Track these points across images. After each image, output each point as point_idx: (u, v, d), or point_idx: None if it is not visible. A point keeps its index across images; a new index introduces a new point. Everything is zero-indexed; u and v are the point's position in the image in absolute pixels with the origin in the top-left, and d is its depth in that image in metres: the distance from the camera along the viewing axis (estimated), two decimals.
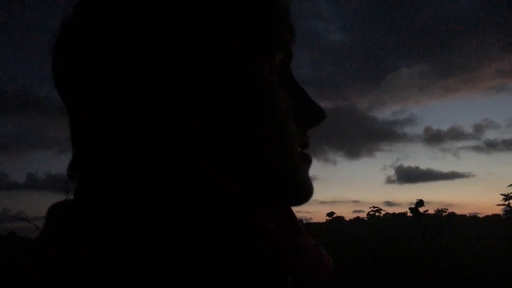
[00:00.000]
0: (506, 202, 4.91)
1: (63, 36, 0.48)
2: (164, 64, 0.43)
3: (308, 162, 0.53)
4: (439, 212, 6.64)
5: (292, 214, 0.53)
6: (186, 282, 0.38)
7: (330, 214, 6.28)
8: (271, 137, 0.47)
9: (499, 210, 5.21)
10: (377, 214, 6.11)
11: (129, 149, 0.43)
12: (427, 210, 5.68)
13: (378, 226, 6.03)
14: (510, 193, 4.87)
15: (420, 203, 5.60)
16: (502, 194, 4.94)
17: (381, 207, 6.17)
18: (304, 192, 0.51)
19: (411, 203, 5.73)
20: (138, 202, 0.42)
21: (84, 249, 0.39)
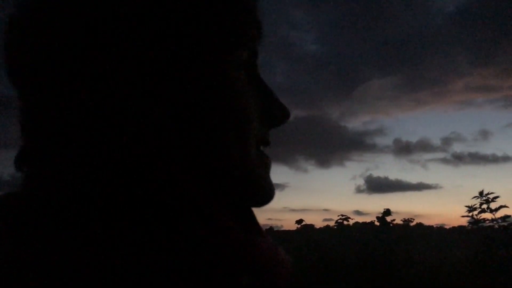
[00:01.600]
0: (470, 214, 5.02)
1: (17, 21, 0.46)
2: (123, 56, 0.42)
3: (269, 163, 0.53)
4: (406, 221, 6.74)
5: (252, 214, 0.52)
6: (137, 282, 0.36)
7: (299, 221, 6.31)
8: (233, 135, 0.46)
9: (464, 222, 5.33)
10: (345, 222, 6.18)
11: (83, 141, 0.42)
12: (394, 220, 5.77)
13: (347, 234, 6.09)
14: (474, 205, 4.99)
15: (387, 212, 5.68)
16: (466, 206, 5.07)
17: (350, 216, 6.25)
18: (263, 193, 0.51)
19: (380, 212, 5.81)
20: (88, 196, 0.40)
21: (26, 247, 0.37)
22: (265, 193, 0.51)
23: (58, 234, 0.38)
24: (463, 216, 5.12)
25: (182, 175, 0.42)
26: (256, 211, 0.53)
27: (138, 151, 0.42)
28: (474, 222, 4.98)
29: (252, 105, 0.48)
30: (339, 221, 6.21)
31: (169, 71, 0.43)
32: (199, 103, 0.44)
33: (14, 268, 0.36)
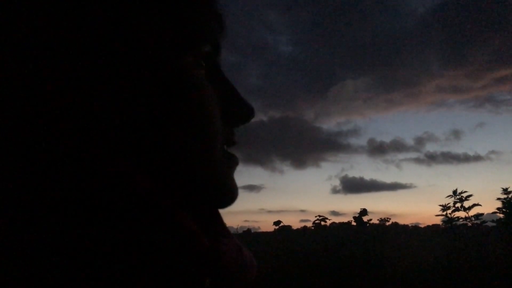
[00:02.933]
0: (444, 213, 5.13)
1: None
2: (80, 54, 0.40)
3: (234, 163, 0.51)
4: (382, 221, 6.84)
5: (217, 214, 0.51)
6: (97, 285, 0.35)
7: (277, 222, 6.33)
8: (194, 134, 0.44)
9: (438, 220, 5.44)
10: (322, 223, 6.22)
11: (42, 140, 0.40)
12: (370, 219, 5.84)
13: (324, 235, 6.14)
14: (448, 204, 5.09)
15: (364, 212, 5.75)
16: (440, 205, 5.17)
17: (327, 216, 6.29)
18: (226, 194, 0.49)
19: (356, 212, 5.88)
20: (50, 197, 0.38)
21: None
22: (228, 195, 0.49)
23: (16, 234, 0.37)
24: (437, 215, 5.23)
25: (141, 176, 0.40)
26: (232, 213, 0.53)
27: (93, 151, 0.40)
28: (448, 220, 5.08)
29: (213, 102, 0.46)
30: (317, 222, 6.25)
31: (126, 68, 0.42)
32: (157, 101, 0.42)
33: None
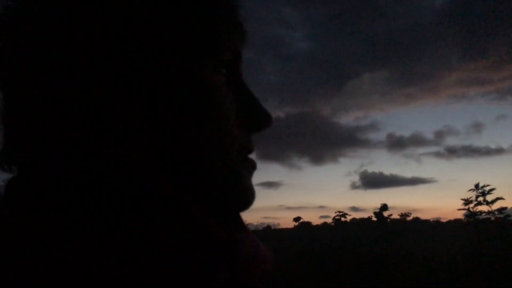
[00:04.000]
0: (466, 207, 5.05)
1: (2, 22, 0.46)
2: (105, 58, 0.42)
3: (251, 168, 0.51)
4: (403, 216, 6.76)
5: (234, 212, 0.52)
6: (118, 279, 0.37)
7: (297, 219, 6.31)
8: (211, 139, 0.46)
9: (460, 215, 5.37)
10: (343, 219, 6.19)
11: (65, 141, 0.42)
12: (391, 215, 5.79)
13: (344, 231, 6.11)
14: (470, 198, 5.02)
15: (384, 207, 5.69)
16: (462, 199, 5.09)
17: (347, 212, 6.25)
18: (243, 199, 0.50)
19: (376, 208, 5.83)
20: (70, 195, 0.40)
21: (12, 249, 0.37)
22: (245, 199, 0.50)
23: (39, 232, 0.38)
24: (459, 209, 5.15)
25: (161, 175, 0.42)
26: (251, 210, 0.53)
27: (117, 152, 0.42)
28: (470, 215, 5.00)
29: (231, 108, 0.48)
30: (337, 217, 6.22)
31: (147, 72, 0.43)
32: (176, 104, 0.44)
33: None
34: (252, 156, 0.53)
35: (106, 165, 0.41)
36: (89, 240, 0.38)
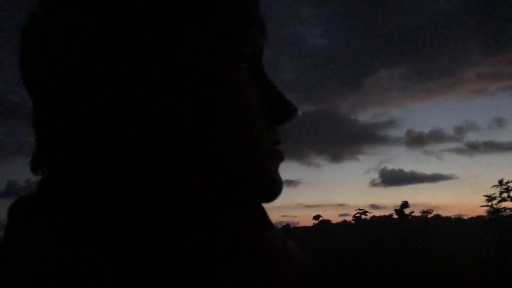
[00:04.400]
0: (489, 203, 4.97)
1: (30, 27, 0.47)
2: (130, 59, 0.43)
3: (279, 158, 0.52)
4: (424, 213, 6.68)
5: (262, 208, 0.52)
6: (149, 276, 0.37)
7: (317, 217, 6.29)
8: (239, 133, 0.46)
9: (483, 212, 5.28)
10: (363, 216, 6.15)
11: (95, 144, 0.43)
12: (412, 212, 5.73)
13: (365, 229, 6.07)
14: (493, 194, 4.93)
15: (405, 204, 5.65)
16: (485, 196, 5.01)
17: (367, 210, 6.20)
18: (271, 189, 0.51)
19: (397, 205, 5.79)
20: (102, 197, 0.41)
21: (47, 250, 0.38)
22: (273, 190, 0.51)
23: (73, 234, 0.39)
24: (482, 206, 5.07)
25: (189, 171, 0.43)
26: (270, 207, 0.53)
27: (147, 149, 0.42)
28: (494, 211, 4.92)
29: (255, 102, 0.48)
30: (357, 215, 6.18)
31: (172, 72, 0.44)
32: (203, 101, 0.45)
33: (29, 269, 0.37)
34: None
35: (135, 163, 0.42)
36: (119, 238, 0.39)
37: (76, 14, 0.44)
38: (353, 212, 6.34)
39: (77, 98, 0.43)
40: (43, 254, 0.38)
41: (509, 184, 4.81)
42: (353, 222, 6.62)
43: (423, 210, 6.66)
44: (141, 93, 0.43)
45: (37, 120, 0.47)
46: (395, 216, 5.87)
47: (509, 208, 4.83)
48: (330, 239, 5.79)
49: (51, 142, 0.46)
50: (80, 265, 0.37)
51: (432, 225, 6.74)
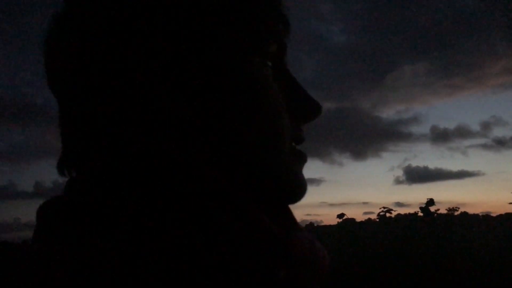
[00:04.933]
0: None
1: (55, 28, 0.48)
2: (155, 57, 0.43)
3: (302, 159, 0.52)
4: (451, 211, 6.57)
5: (287, 208, 0.52)
6: (176, 277, 0.37)
7: (341, 215, 6.25)
8: (263, 131, 0.46)
9: (511, 209, 5.16)
10: (388, 214, 6.07)
11: (121, 143, 0.43)
12: (438, 209, 5.64)
13: (390, 227, 5.99)
14: None
15: (431, 202, 5.56)
16: None
17: (391, 208, 6.13)
18: (295, 190, 0.50)
19: (422, 203, 5.70)
20: (130, 197, 0.41)
21: (75, 251, 0.38)
22: (297, 190, 0.50)
23: (102, 235, 0.39)
24: (510, 203, 4.96)
25: (216, 172, 0.43)
26: (293, 207, 0.53)
27: (173, 149, 0.42)
28: None
29: (280, 100, 0.48)
30: (381, 213, 6.11)
31: (198, 70, 0.44)
32: (227, 100, 0.44)
33: (59, 271, 0.37)
34: None
35: (162, 164, 0.42)
36: (147, 238, 0.39)
37: (102, 16, 0.44)
38: (377, 210, 6.27)
39: (103, 99, 0.43)
40: (72, 256, 0.38)
41: None
42: (377, 220, 6.55)
43: (449, 208, 6.55)
44: (168, 92, 0.43)
45: (63, 122, 0.48)
46: (420, 214, 5.78)
47: None
48: (355, 237, 5.74)
49: (77, 144, 0.46)
50: (109, 267, 0.37)
51: (459, 223, 6.61)
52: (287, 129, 0.48)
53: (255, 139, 0.46)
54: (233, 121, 0.45)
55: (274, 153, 0.47)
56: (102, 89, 0.43)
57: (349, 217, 6.43)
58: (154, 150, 0.42)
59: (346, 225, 6.40)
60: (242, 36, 0.46)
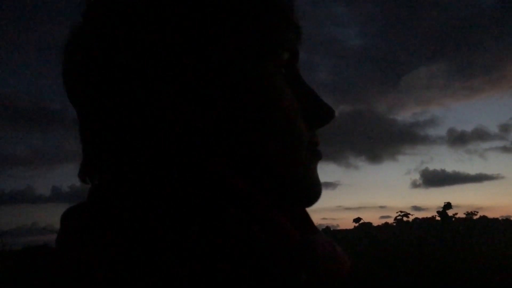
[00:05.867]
0: None
1: (73, 40, 0.49)
2: (170, 66, 0.44)
3: (317, 158, 0.52)
4: (469, 215, 6.47)
5: (305, 212, 0.52)
6: (199, 281, 0.38)
7: (357, 220, 6.19)
8: (279, 137, 0.47)
9: None
10: (405, 219, 6.01)
11: (141, 150, 0.44)
12: (456, 213, 5.56)
13: (407, 231, 5.93)
14: None
15: (448, 205, 5.48)
16: None
17: (408, 212, 6.06)
18: (311, 193, 0.51)
19: (439, 207, 5.62)
20: (152, 203, 0.42)
21: (98, 256, 0.39)
22: (313, 193, 0.51)
23: (125, 241, 0.39)
24: None
25: (235, 176, 0.43)
26: (309, 211, 0.53)
27: (191, 154, 0.43)
28: None
29: (294, 105, 0.49)
30: (398, 217, 6.05)
31: (214, 78, 0.45)
32: (244, 108, 0.45)
33: (84, 277, 0.37)
34: None
35: (183, 170, 0.42)
36: (170, 244, 0.39)
37: (119, 28, 0.45)
38: (394, 214, 6.21)
39: (122, 109, 0.44)
40: (95, 262, 0.38)
41: None
42: (395, 224, 6.48)
43: (467, 212, 6.46)
44: (184, 99, 0.44)
45: (83, 131, 0.49)
46: (438, 218, 5.71)
47: None
48: (373, 242, 5.69)
49: (99, 152, 0.47)
50: (133, 273, 0.37)
51: (479, 227, 6.51)
52: (302, 134, 0.49)
53: (272, 143, 0.46)
54: (250, 126, 0.45)
55: (292, 156, 0.48)
56: (121, 99, 0.44)
57: (366, 221, 6.38)
58: (175, 157, 0.43)
59: (363, 229, 6.35)
60: (255, 45, 0.47)
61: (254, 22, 0.47)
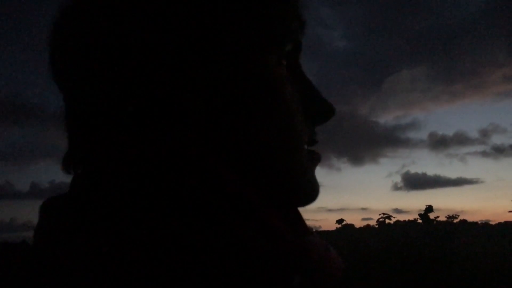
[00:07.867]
0: None
1: (63, 21, 0.46)
2: (169, 52, 0.42)
3: (316, 160, 0.51)
4: (450, 218, 6.57)
5: (298, 212, 0.51)
6: (187, 282, 0.36)
7: (340, 221, 6.25)
8: (278, 133, 0.45)
9: (511, 217, 5.18)
10: (387, 221, 6.07)
11: (133, 138, 0.41)
12: (437, 217, 5.64)
13: (389, 233, 6.00)
14: None
15: (429, 209, 5.56)
16: None
17: (390, 214, 6.13)
18: (309, 192, 0.49)
19: (421, 210, 5.71)
20: (137, 197, 0.39)
21: (77, 249, 0.37)
22: (311, 192, 0.50)
23: (106, 232, 0.38)
24: (510, 211, 4.96)
25: (231, 173, 0.41)
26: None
27: (184, 147, 0.41)
28: None
29: (295, 100, 0.47)
30: (381, 219, 6.11)
31: (214, 69, 0.43)
32: (244, 101, 0.43)
33: (64, 269, 0.36)
34: None
35: (173, 162, 0.40)
36: (155, 238, 0.37)
37: (112, 6, 0.42)
38: (375, 216, 6.28)
39: (113, 94, 0.42)
40: (75, 253, 0.37)
41: None
42: (377, 226, 6.55)
43: (448, 215, 6.55)
44: (179, 89, 0.42)
45: (69, 117, 0.46)
46: (419, 220, 5.79)
47: None
48: (355, 243, 5.73)
49: (84, 140, 0.44)
50: (114, 265, 0.35)
51: (459, 230, 6.61)
52: (301, 131, 0.47)
53: (271, 139, 0.44)
54: (249, 121, 0.44)
55: (291, 153, 0.46)
56: (112, 83, 0.42)
57: (349, 222, 6.43)
58: (167, 148, 0.41)
59: (346, 230, 6.40)
60: (259, 35, 0.45)
61: (257, 12, 0.45)
